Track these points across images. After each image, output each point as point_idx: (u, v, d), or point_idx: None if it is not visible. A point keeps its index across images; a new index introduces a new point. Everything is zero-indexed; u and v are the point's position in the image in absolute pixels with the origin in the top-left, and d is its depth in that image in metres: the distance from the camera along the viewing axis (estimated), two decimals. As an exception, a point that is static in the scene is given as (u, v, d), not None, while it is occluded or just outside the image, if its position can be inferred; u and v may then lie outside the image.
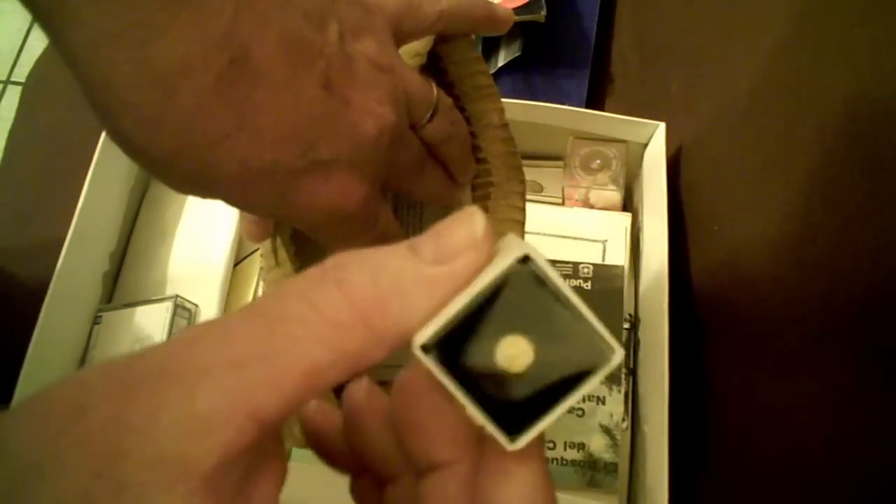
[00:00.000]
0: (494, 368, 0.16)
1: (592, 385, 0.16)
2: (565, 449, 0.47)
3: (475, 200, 0.37)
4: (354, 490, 0.22)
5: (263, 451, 0.17)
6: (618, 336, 0.51)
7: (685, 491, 0.43)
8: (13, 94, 1.49)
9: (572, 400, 0.16)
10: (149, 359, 0.16)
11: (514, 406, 0.17)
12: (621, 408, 0.48)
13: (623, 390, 0.49)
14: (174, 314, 0.52)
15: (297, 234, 0.30)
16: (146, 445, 0.15)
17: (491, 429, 0.17)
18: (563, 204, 0.59)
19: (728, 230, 0.49)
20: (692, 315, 0.50)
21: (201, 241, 0.57)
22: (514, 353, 0.16)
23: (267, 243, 0.31)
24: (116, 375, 0.16)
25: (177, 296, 0.52)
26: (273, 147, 0.23)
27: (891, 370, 0.30)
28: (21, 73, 1.51)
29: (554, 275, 0.16)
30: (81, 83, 0.22)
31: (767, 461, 0.39)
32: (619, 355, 0.16)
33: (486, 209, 0.36)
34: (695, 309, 0.50)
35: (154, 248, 0.58)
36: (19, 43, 1.53)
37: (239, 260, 0.57)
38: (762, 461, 0.40)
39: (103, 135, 0.55)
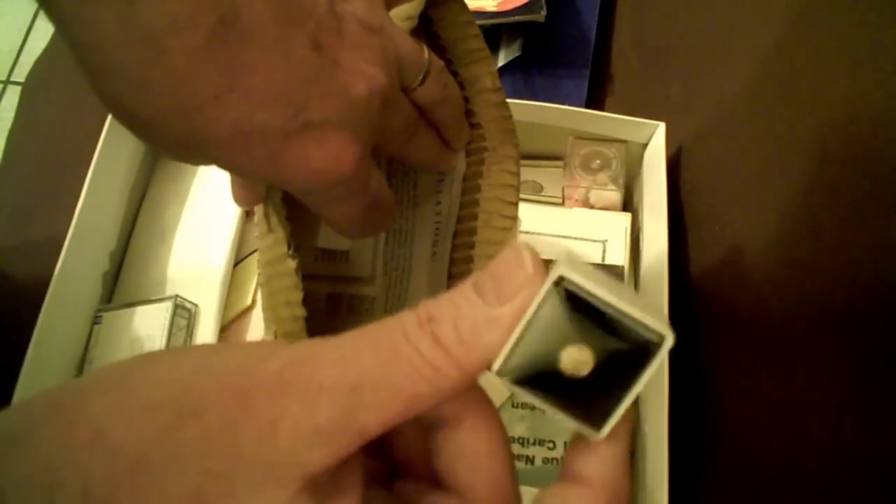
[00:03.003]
0: (564, 376, 0.19)
1: (653, 370, 0.18)
2: (565, 449, 0.47)
3: (469, 166, 0.36)
4: None
5: (347, 461, 0.19)
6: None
7: (685, 491, 0.43)
8: (13, 94, 1.49)
9: (642, 383, 0.18)
10: (263, 371, 0.18)
11: (592, 400, 0.19)
12: (621, 408, 0.48)
13: (623, 390, 0.49)
14: (174, 314, 0.52)
15: (287, 197, 0.30)
16: (264, 449, 0.17)
17: (580, 427, 0.19)
18: (563, 204, 0.59)
19: (728, 230, 0.49)
20: (692, 315, 0.50)
21: (201, 241, 0.57)
22: (576, 360, 0.18)
23: (259, 209, 0.31)
24: (230, 383, 0.18)
25: (177, 296, 0.52)
26: (263, 108, 0.23)
27: (891, 370, 0.30)
28: (21, 73, 1.51)
29: (589, 285, 0.18)
30: (69, 43, 0.22)
31: (767, 461, 0.39)
32: (669, 338, 0.18)
33: (479, 174, 0.36)
34: (695, 309, 0.50)
35: (154, 248, 0.58)
36: (19, 43, 1.53)
37: (239, 260, 0.57)
38: (762, 461, 0.40)
39: (103, 135, 0.55)
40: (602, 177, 0.57)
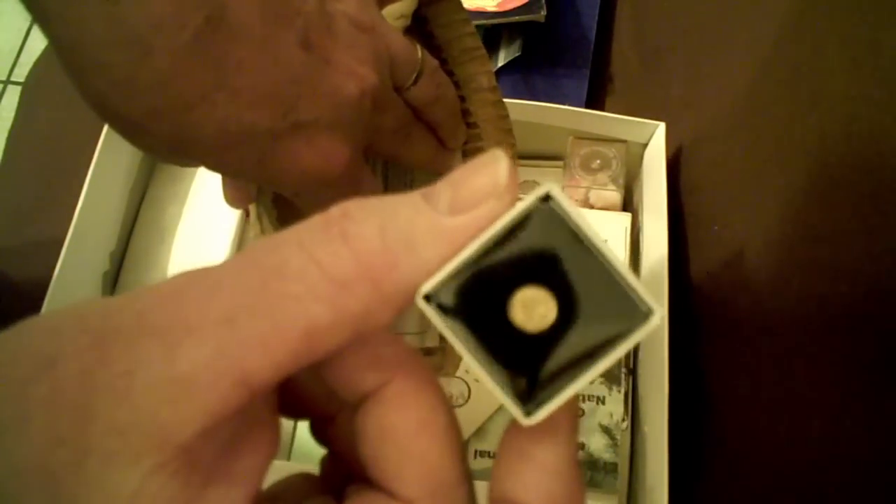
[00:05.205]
0: (511, 325, 0.14)
1: (625, 349, 0.14)
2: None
3: None
4: (314, 432, 0.20)
5: (252, 418, 0.15)
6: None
7: (685, 491, 0.43)
8: (13, 94, 1.49)
9: (602, 367, 0.14)
10: (128, 308, 0.14)
11: (537, 374, 0.14)
12: (621, 408, 0.48)
13: (623, 390, 0.49)
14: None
15: (278, 198, 0.30)
16: (118, 408, 0.13)
17: (502, 398, 0.14)
18: (563, 204, 0.59)
19: (728, 230, 0.49)
20: (692, 315, 0.50)
21: (201, 241, 0.57)
22: (531, 306, 0.14)
23: (252, 210, 0.31)
24: (92, 325, 0.14)
25: (177, 296, 0.52)
26: (252, 108, 0.23)
27: (891, 370, 0.30)
28: (21, 73, 1.51)
29: (580, 218, 0.14)
30: (53, 43, 0.21)
31: (767, 461, 0.39)
32: (658, 316, 0.14)
33: None
34: (695, 309, 0.50)
35: (154, 248, 0.58)
36: (19, 43, 1.53)
37: (239, 260, 0.57)
38: (762, 461, 0.40)
39: (103, 135, 0.55)
40: (602, 177, 0.57)
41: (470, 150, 0.36)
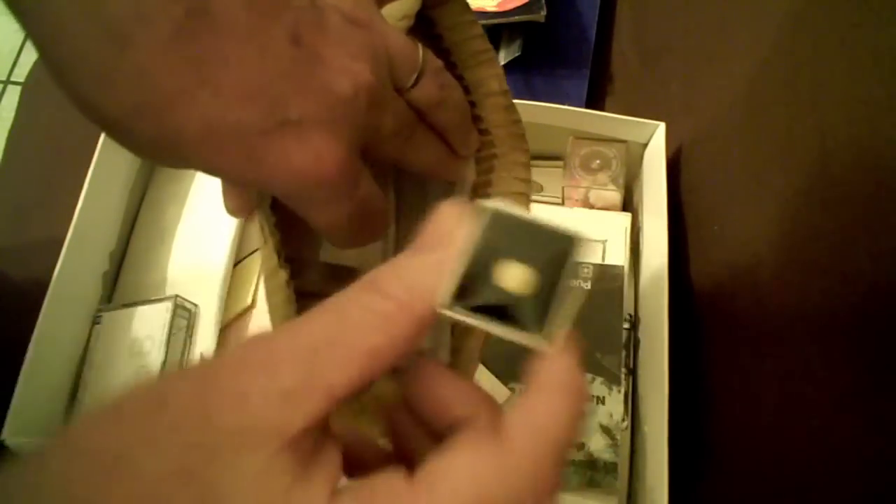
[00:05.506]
0: (507, 294, 0.20)
1: (573, 263, 0.20)
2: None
3: (479, 175, 0.35)
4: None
5: (326, 431, 0.20)
6: (618, 335, 0.51)
7: (685, 491, 0.43)
8: (13, 94, 1.49)
9: (572, 279, 0.20)
10: (222, 357, 0.19)
11: (536, 319, 0.20)
12: (621, 408, 0.48)
13: (623, 390, 0.49)
14: (174, 314, 0.52)
15: (277, 204, 0.29)
16: (237, 417, 0.17)
17: (526, 339, 0.20)
18: (563, 204, 0.59)
19: (728, 230, 0.49)
20: (692, 315, 0.50)
21: (201, 241, 0.57)
22: (513, 274, 0.20)
23: (256, 218, 0.30)
24: (191, 374, 0.19)
25: (177, 296, 0.52)
26: (238, 105, 0.22)
27: (891, 370, 0.30)
28: (21, 73, 1.51)
29: (510, 207, 0.20)
30: (31, 37, 0.21)
31: (767, 461, 0.39)
32: (580, 236, 0.20)
33: (489, 183, 0.34)
34: (695, 309, 0.50)
35: (154, 248, 0.58)
36: (19, 43, 1.53)
37: (239, 260, 0.57)
38: (762, 461, 0.40)
39: (103, 135, 0.55)
40: (602, 177, 0.57)
41: (483, 158, 0.34)
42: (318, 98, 0.24)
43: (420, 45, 0.28)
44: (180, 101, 0.21)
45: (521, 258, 0.20)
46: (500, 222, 0.20)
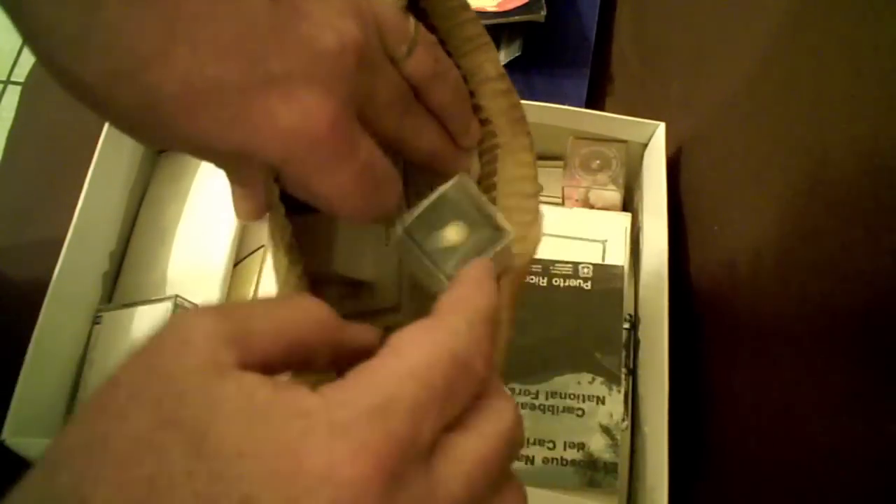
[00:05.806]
0: (446, 245, 0.27)
1: (500, 248, 0.27)
2: (565, 449, 0.47)
3: (483, 167, 0.34)
4: None
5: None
6: (618, 335, 0.51)
7: (685, 491, 0.43)
8: (13, 94, 1.49)
9: (490, 251, 0.27)
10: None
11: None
12: (621, 408, 0.48)
13: (623, 390, 0.49)
14: (174, 314, 0.52)
15: (291, 215, 0.28)
16: (184, 360, 0.19)
17: (437, 272, 0.26)
18: (562, 204, 0.59)
19: (728, 230, 0.49)
20: (692, 315, 0.50)
21: (201, 241, 0.57)
22: (454, 232, 0.27)
23: (268, 225, 0.28)
24: (132, 354, 0.20)
25: (177, 296, 0.52)
26: (216, 61, 0.22)
27: (891, 370, 0.30)
28: (21, 73, 1.51)
29: (473, 188, 0.28)
30: (4, 8, 0.21)
31: (767, 461, 0.39)
32: (511, 233, 0.27)
33: (493, 172, 0.33)
34: (695, 309, 0.50)
35: (154, 248, 0.58)
36: (19, 43, 1.53)
37: (239, 260, 0.57)
38: (762, 461, 0.40)
39: (103, 135, 0.55)
40: (602, 177, 0.57)
41: (486, 149, 0.34)
42: (302, 52, 0.23)
43: (412, 18, 0.27)
44: (155, 61, 0.21)
45: (467, 223, 0.27)
46: (461, 192, 0.27)
